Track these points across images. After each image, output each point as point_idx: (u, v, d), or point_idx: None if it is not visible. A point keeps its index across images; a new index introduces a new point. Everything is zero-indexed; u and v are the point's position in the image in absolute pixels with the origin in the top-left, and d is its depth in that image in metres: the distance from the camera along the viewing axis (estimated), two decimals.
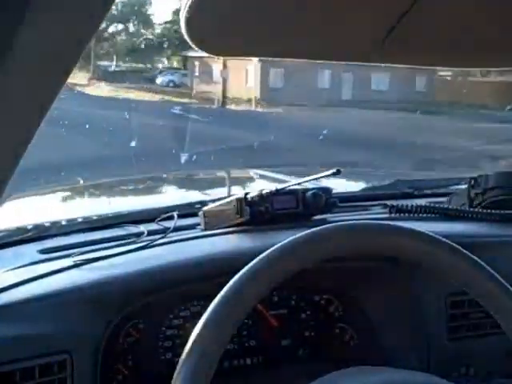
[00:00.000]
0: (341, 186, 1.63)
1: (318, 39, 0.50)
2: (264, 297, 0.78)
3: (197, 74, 9.48)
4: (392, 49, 0.51)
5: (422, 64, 0.57)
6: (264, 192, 1.21)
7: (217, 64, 8.44)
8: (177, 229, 1.23)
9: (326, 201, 1.26)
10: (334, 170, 1.18)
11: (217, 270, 1.06)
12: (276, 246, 0.78)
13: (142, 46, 10.24)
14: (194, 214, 1.29)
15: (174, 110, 6.80)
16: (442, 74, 9.42)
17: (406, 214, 1.33)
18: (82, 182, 1.83)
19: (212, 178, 2.32)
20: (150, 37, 10.18)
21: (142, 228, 1.23)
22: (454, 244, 0.83)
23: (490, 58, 0.56)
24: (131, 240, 1.18)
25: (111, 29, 9.43)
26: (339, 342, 1.23)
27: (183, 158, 2.51)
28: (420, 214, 1.32)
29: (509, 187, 1.33)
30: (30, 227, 1.26)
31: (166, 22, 9.98)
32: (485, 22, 0.49)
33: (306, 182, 1.28)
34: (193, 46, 0.47)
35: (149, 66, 10.06)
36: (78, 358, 0.96)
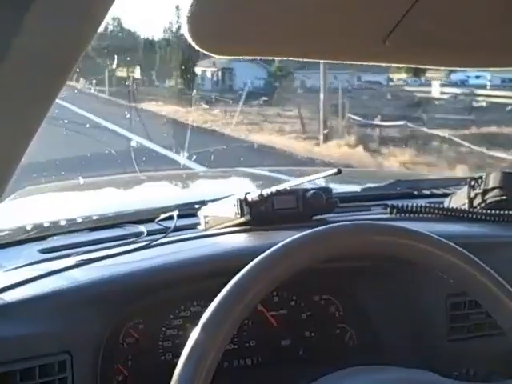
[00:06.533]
0: (341, 186, 1.64)
1: (318, 39, 0.51)
2: (264, 297, 0.78)
3: None
4: (393, 49, 0.51)
5: (423, 64, 0.58)
6: (264, 192, 1.21)
7: None
8: (177, 229, 1.23)
9: (326, 201, 1.25)
10: (335, 170, 1.17)
11: (217, 270, 1.06)
12: (276, 246, 0.78)
13: None
14: (194, 214, 1.29)
15: None
16: None
17: (407, 215, 1.33)
18: (81, 180, 1.83)
19: (212, 177, 2.32)
20: None
21: (142, 228, 1.23)
22: (454, 244, 0.83)
23: (490, 57, 0.56)
24: (131, 240, 1.18)
25: None
26: (339, 343, 1.23)
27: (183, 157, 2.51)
28: (420, 215, 1.32)
29: (509, 188, 1.33)
30: (30, 227, 1.26)
31: None
32: (485, 22, 0.49)
33: (307, 182, 1.28)
34: (195, 46, 0.47)
35: None
36: (79, 359, 0.96)
